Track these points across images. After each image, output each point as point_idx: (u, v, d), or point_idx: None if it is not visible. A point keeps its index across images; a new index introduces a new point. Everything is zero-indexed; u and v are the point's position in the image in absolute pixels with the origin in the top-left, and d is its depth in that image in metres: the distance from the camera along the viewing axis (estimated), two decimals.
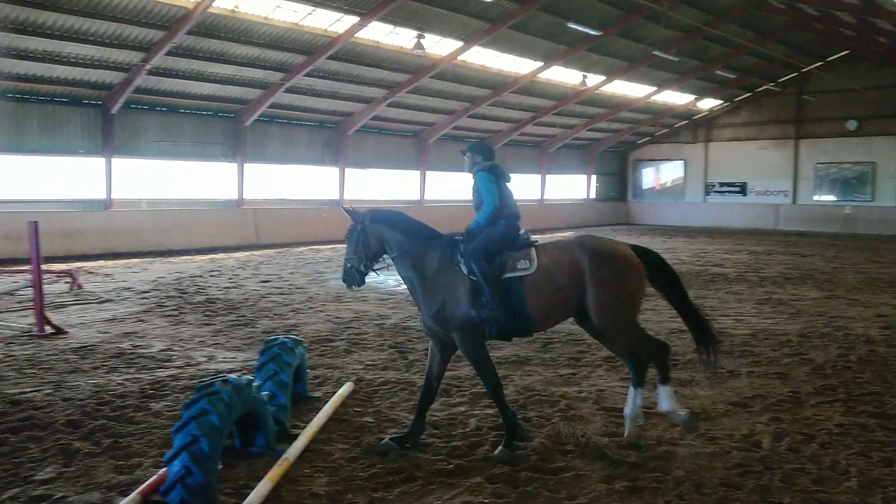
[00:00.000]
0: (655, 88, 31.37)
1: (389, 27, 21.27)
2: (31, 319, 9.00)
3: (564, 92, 29.47)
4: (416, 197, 30.09)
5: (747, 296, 12.38)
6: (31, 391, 6.23)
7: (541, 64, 25.98)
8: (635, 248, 5.33)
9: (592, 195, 39.36)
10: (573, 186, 38.65)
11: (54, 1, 16.05)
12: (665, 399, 5.07)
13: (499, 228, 5.30)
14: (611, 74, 28.61)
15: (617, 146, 39.43)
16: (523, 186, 35.33)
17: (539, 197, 35.76)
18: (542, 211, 34.46)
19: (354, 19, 19.89)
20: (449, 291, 5.14)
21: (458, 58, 23.80)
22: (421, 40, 21.48)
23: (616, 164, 40.74)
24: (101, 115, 20.25)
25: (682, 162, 38.26)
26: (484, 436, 5.19)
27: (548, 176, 35.91)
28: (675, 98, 33.99)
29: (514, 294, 5.08)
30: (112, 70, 19.09)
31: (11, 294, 10.88)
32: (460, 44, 22.98)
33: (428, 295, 5.20)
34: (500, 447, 4.91)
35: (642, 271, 5.18)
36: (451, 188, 31.74)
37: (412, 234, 5.43)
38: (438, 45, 23.11)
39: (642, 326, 5.39)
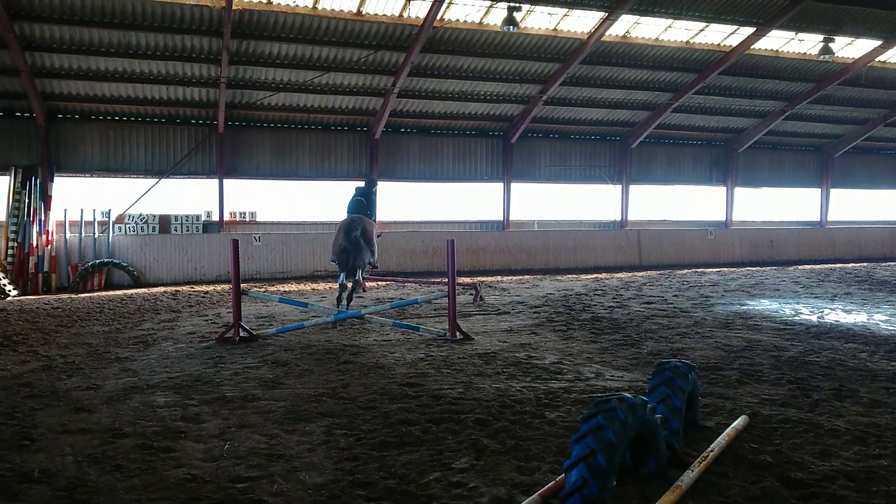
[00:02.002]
0: None
1: (790, 34, 19.61)
2: (445, 325, 10.31)
3: None
4: (816, 217, 27.08)
5: None
6: (447, 388, 7.12)
7: None
8: (351, 230, 11.01)
9: None
10: None
11: (469, 47, 18.33)
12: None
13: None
14: None
15: None
16: None
17: None
18: None
19: (750, 30, 18.83)
20: None
21: (876, 59, 20.90)
22: (829, 44, 19.39)
23: None
24: (503, 145, 22.42)
25: None
26: None
27: None
28: None
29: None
30: (513, 103, 21.04)
31: (430, 302, 12.62)
32: (878, 43, 20.18)
33: None
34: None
35: (337, 239, 11.12)
36: (861, 208, 27.93)
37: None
38: (850, 48, 20.63)
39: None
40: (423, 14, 16.86)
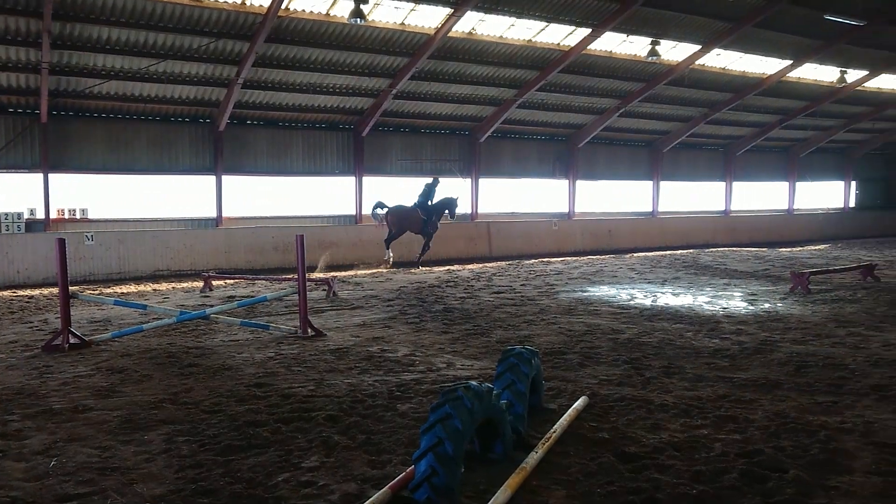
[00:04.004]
0: None
1: (623, 36, 20.91)
2: (296, 322, 10.09)
3: (818, 91, 26.89)
4: (649, 208, 29.12)
5: None
6: (298, 387, 6.97)
7: (790, 62, 23.98)
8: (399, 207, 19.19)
9: (852, 204, 35.36)
10: (828, 195, 35.04)
11: (316, 38, 18.00)
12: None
13: None
14: (876, 68, 25.58)
15: (883, 148, 35.07)
16: (768, 195, 32.75)
17: (787, 207, 32.88)
18: (790, 222, 31.66)
19: (586, 31, 19.86)
20: None
21: (696, 62, 22.74)
22: (656, 47, 20.87)
23: (882, 168, 36.23)
24: (354, 138, 22.25)
25: None
26: (731, 462, 4.86)
27: (798, 183, 32.90)
28: None
29: None
30: (364, 97, 20.93)
31: (280, 300, 12.30)
32: (698, 47, 21.97)
33: None
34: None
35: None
36: (687, 199, 30.35)
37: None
38: (674, 51, 22.29)
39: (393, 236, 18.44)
40: (266, 2, 16.33)
